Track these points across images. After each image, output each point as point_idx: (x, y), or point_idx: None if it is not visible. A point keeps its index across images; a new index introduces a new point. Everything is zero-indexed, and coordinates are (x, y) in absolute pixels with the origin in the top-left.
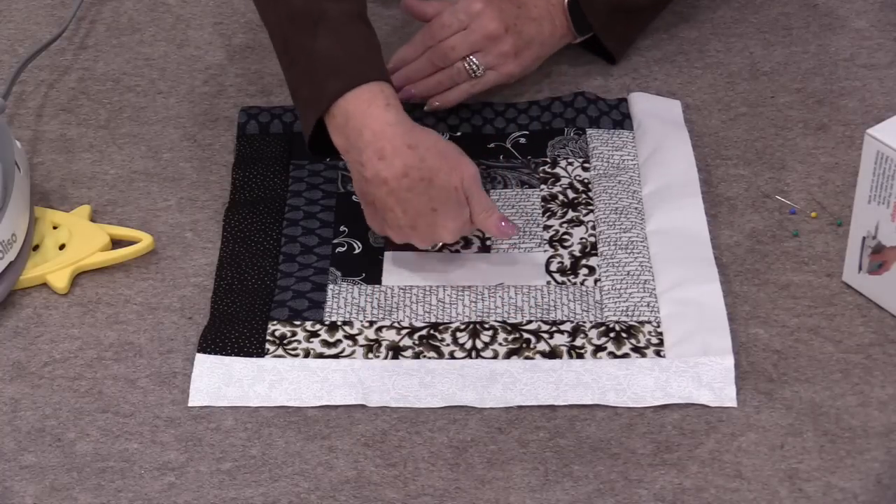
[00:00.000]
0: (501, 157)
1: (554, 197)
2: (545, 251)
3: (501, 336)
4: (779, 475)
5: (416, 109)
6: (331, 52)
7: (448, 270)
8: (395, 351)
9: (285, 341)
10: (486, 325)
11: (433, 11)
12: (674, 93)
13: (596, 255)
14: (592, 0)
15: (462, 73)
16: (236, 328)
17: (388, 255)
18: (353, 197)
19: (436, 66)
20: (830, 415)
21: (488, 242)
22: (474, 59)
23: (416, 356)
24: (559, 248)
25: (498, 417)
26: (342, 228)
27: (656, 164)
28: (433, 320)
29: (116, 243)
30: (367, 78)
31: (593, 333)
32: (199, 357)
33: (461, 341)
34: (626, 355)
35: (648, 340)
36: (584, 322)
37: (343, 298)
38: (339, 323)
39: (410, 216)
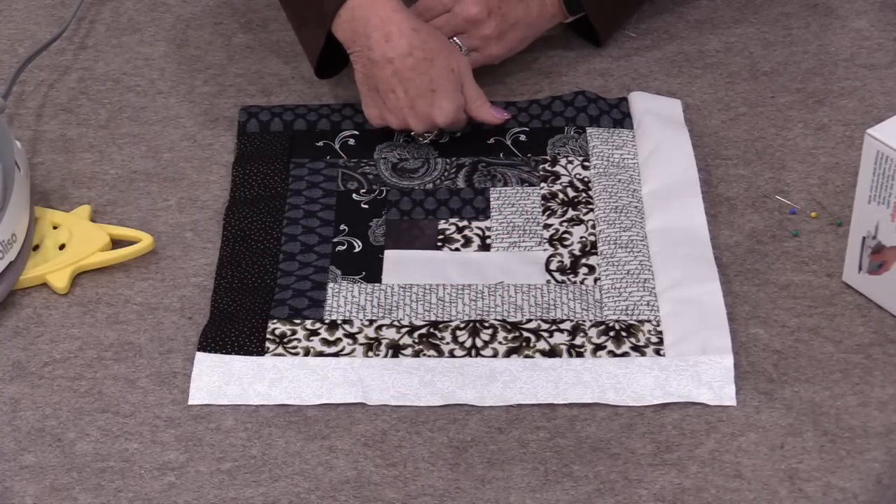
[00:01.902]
0: (501, 154)
1: (554, 195)
2: (545, 250)
3: (501, 335)
4: (779, 475)
5: None
6: None
7: (448, 269)
8: (395, 349)
9: (285, 340)
10: (486, 324)
11: None
12: (674, 93)
13: (596, 253)
14: None
15: None
16: (236, 326)
17: (388, 253)
18: (353, 195)
19: None
20: (830, 415)
21: (488, 241)
22: (457, 41)
23: (416, 355)
24: (559, 246)
25: (498, 417)
26: (342, 227)
27: (656, 164)
28: (433, 319)
29: (116, 243)
30: None
31: (593, 332)
32: (199, 356)
33: (461, 340)
34: (625, 354)
35: (648, 339)
36: (584, 321)
37: (343, 297)
38: (339, 321)
39: (410, 96)
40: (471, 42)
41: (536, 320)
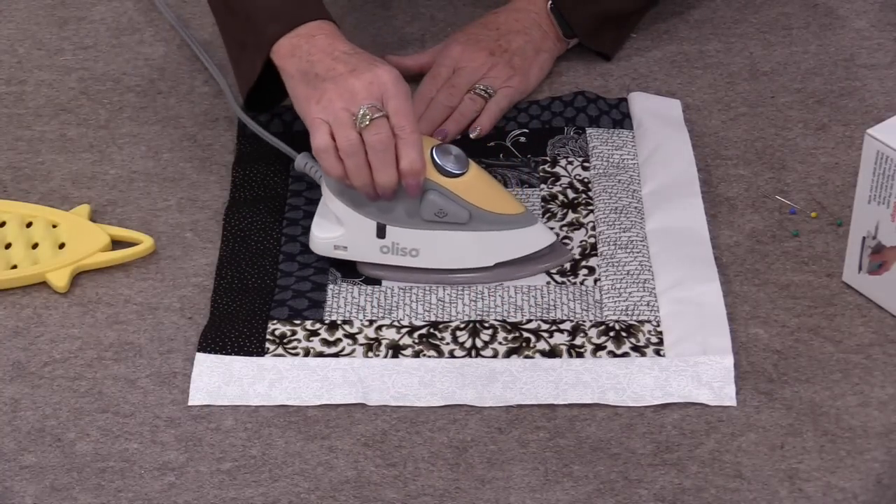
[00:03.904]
0: (501, 155)
1: (554, 197)
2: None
3: (501, 335)
4: (779, 475)
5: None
6: (269, 3)
7: None
8: (395, 350)
9: (285, 340)
10: (486, 324)
11: (414, 63)
12: (674, 93)
13: (596, 254)
14: (577, 10)
15: (477, 99)
16: (236, 327)
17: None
18: None
19: (450, 106)
20: (830, 415)
21: None
22: (480, 85)
23: (416, 355)
24: None
25: (498, 417)
26: None
27: (656, 164)
28: (433, 319)
29: (117, 244)
30: (306, 18)
31: (593, 332)
32: (199, 356)
33: (461, 340)
34: (625, 354)
35: (648, 339)
36: (584, 321)
37: (343, 298)
38: (338, 322)
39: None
40: (492, 83)
41: (536, 321)
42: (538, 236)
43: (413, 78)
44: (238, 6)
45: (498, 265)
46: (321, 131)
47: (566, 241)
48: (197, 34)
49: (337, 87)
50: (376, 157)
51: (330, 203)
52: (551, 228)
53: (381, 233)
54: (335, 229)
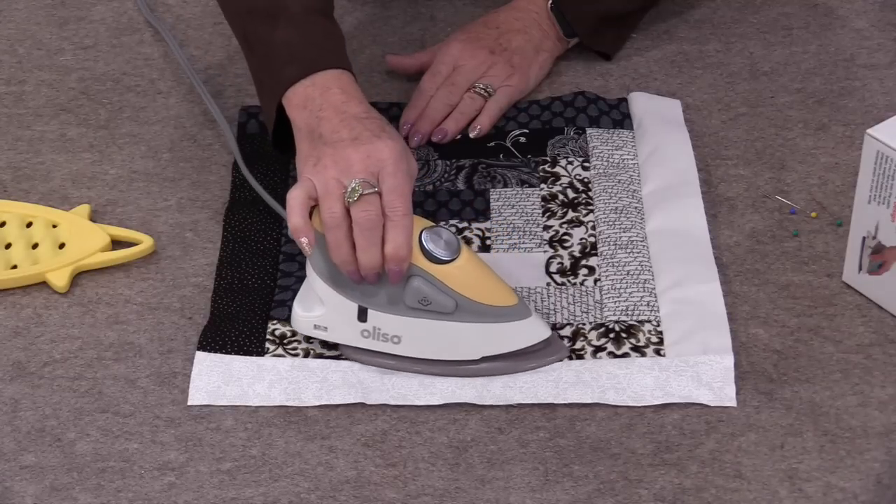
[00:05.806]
0: (501, 155)
1: (554, 196)
2: (545, 251)
3: None
4: (779, 475)
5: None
6: (289, 42)
7: None
8: None
9: (285, 341)
10: None
11: (414, 62)
12: (674, 93)
13: (596, 254)
14: (577, 9)
15: (477, 98)
16: (236, 327)
17: None
18: None
19: (450, 105)
20: (830, 415)
21: (488, 242)
22: (480, 83)
23: None
24: (559, 248)
25: (498, 417)
26: None
27: (656, 164)
28: None
29: (117, 244)
30: (324, 65)
31: (593, 335)
32: (199, 355)
33: None
34: (625, 355)
35: (648, 340)
36: (584, 324)
37: None
38: None
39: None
40: (492, 81)
41: None
42: (531, 331)
43: (413, 77)
44: (256, 43)
45: (485, 359)
46: (302, 186)
47: (566, 237)
48: (196, 34)
49: (335, 153)
50: (361, 236)
51: (312, 281)
52: (550, 227)
53: (362, 316)
54: (316, 308)
